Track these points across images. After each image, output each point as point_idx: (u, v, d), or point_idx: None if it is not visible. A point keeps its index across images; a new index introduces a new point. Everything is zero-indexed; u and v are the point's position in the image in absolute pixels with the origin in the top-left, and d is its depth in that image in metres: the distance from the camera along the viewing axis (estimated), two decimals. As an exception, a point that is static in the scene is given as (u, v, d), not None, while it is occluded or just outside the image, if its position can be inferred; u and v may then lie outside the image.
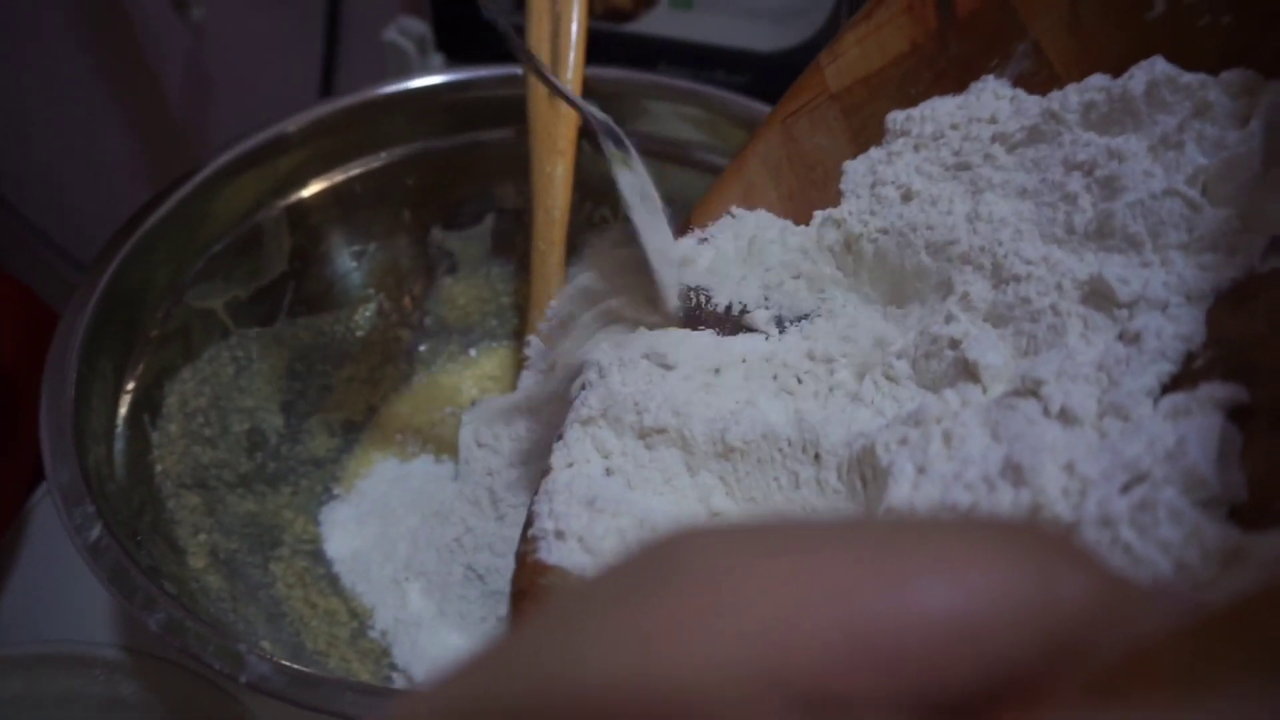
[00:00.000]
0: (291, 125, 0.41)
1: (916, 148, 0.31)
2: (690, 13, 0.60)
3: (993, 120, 0.30)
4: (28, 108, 0.59)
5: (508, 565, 0.38)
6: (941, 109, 0.30)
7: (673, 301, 0.30)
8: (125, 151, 0.62)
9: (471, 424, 0.41)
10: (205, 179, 0.39)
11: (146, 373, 0.36)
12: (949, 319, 0.28)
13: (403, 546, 0.40)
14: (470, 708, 0.11)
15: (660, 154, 0.43)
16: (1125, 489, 0.19)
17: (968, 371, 0.26)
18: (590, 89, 0.43)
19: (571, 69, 0.42)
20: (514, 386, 0.48)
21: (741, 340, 0.32)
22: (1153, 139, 0.26)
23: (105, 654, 0.31)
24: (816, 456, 0.28)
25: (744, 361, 0.31)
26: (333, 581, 0.39)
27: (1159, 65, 0.25)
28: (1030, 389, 0.23)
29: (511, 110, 0.45)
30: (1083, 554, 0.11)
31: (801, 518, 0.13)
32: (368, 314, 0.46)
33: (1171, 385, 0.22)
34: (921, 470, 0.24)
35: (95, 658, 0.31)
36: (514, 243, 0.48)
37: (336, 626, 0.37)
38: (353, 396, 0.45)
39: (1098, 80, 0.27)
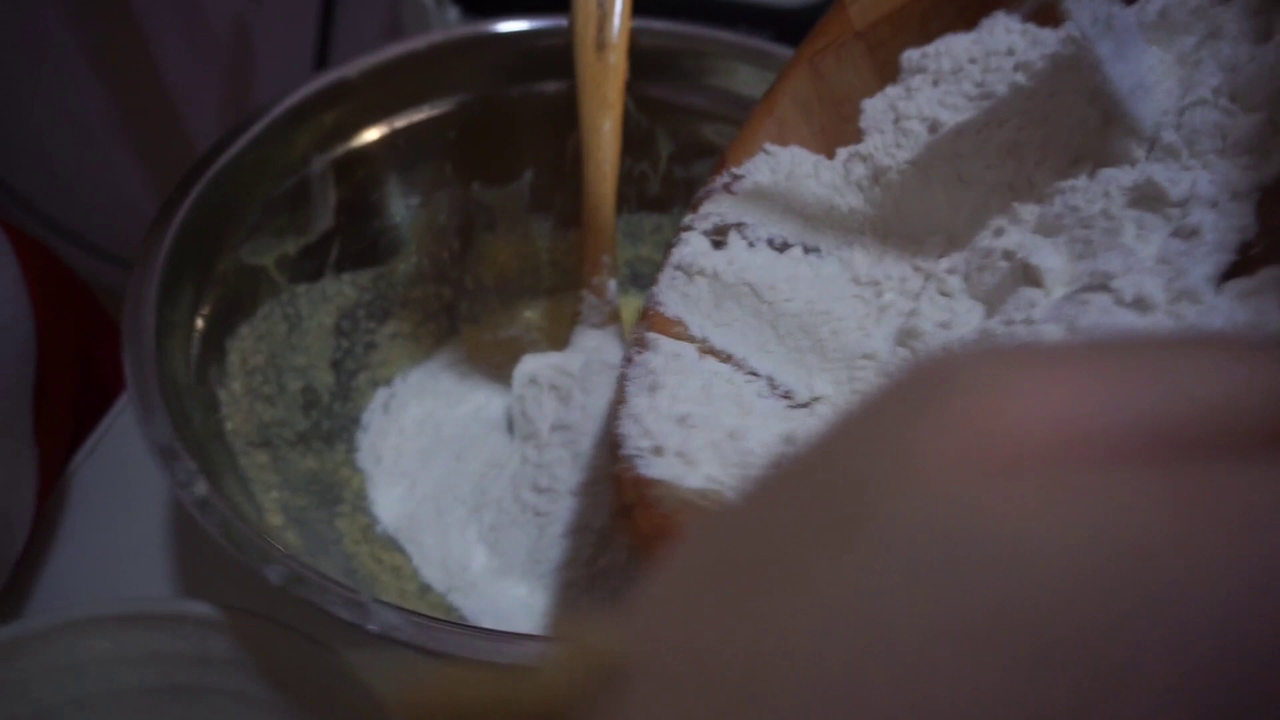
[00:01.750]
0: (342, 75, 0.40)
1: (935, 83, 0.32)
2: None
3: (1010, 52, 0.30)
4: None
5: (563, 508, 0.38)
6: (957, 45, 0.31)
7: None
8: (107, 112, 0.60)
9: (525, 374, 0.41)
10: (259, 132, 0.38)
11: (210, 330, 0.36)
12: (998, 232, 0.29)
13: (453, 500, 0.41)
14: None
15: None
16: None
17: (1028, 278, 0.27)
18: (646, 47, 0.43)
19: (619, 18, 0.42)
20: (558, 340, 0.48)
21: (788, 263, 0.32)
22: (1171, 60, 0.27)
23: (196, 610, 0.31)
24: (910, 350, 0.29)
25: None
26: (393, 538, 0.39)
27: None
28: (1100, 283, 0.25)
29: (554, 63, 0.44)
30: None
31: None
32: (409, 270, 0.46)
33: (1230, 274, 0.23)
34: None
35: (186, 614, 0.31)
36: (552, 199, 0.48)
37: (404, 581, 0.38)
38: (397, 353, 0.45)
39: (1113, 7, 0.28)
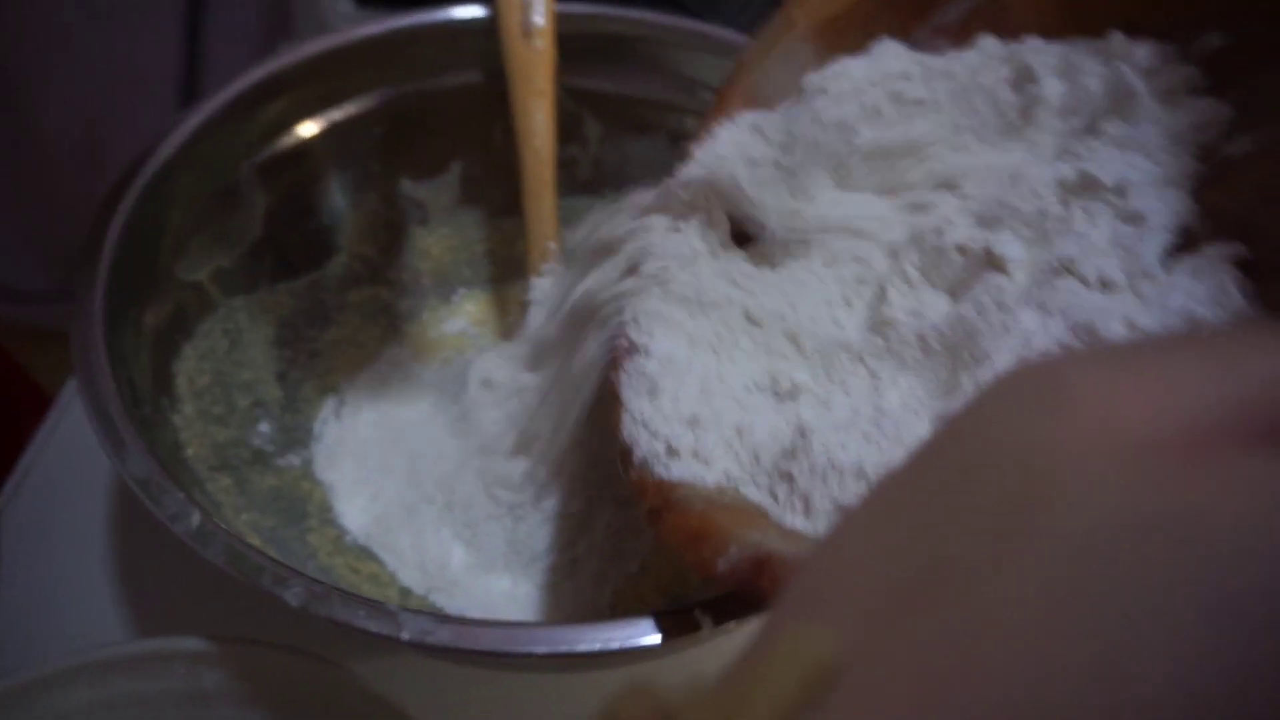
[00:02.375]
0: (261, 77, 0.39)
1: (838, 102, 0.33)
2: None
3: (905, 77, 0.32)
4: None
5: (537, 501, 0.38)
6: (853, 68, 0.33)
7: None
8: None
9: (479, 376, 0.41)
10: (181, 143, 0.36)
11: (156, 355, 0.34)
12: (941, 229, 0.31)
13: (422, 500, 0.40)
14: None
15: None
16: None
17: (991, 265, 0.29)
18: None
19: (543, 2, 0.42)
20: (502, 330, 0.48)
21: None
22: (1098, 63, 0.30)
23: (184, 646, 0.30)
24: (884, 339, 0.30)
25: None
26: (365, 546, 0.39)
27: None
28: (1065, 267, 0.27)
29: (476, 53, 0.44)
30: None
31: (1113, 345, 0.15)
32: (344, 273, 0.45)
33: (1176, 254, 0.26)
34: (998, 351, 0.26)
35: (174, 652, 0.30)
36: (483, 190, 0.47)
37: (384, 587, 0.37)
38: (341, 359, 0.44)
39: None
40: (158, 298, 0.35)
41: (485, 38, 0.43)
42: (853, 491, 0.25)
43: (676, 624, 0.25)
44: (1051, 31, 0.31)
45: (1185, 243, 0.26)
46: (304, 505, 0.38)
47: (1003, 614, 0.11)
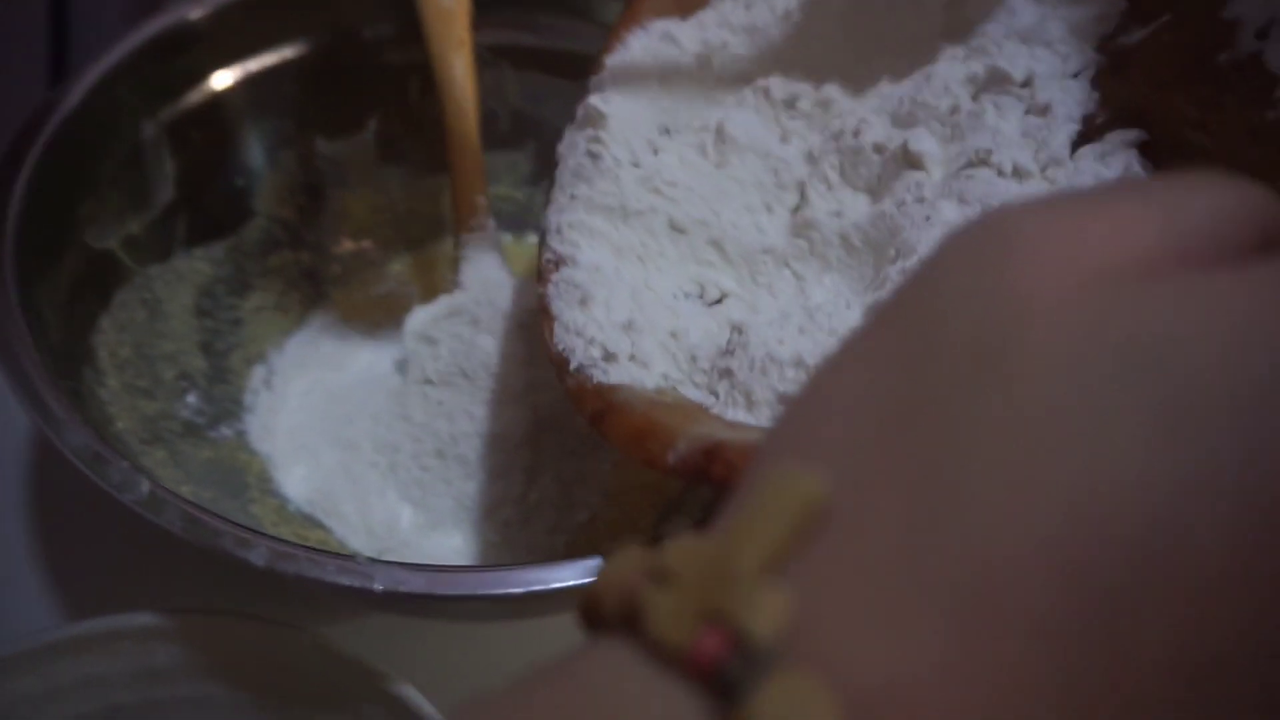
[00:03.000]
0: (165, 28, 0.37)
1: (748, 6, 0.34)
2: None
3: None
4: None
5: (482, 450, 0.38)
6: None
7: None
8: None
9: (416, 328, 0.40)
10: (76, 103, 0.34)
11: (74, 329, 0.32)
12: (857, 132, 0.32)
13: (363, 464, 0.39)
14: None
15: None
16: None
17: (908, 162, 0.30)
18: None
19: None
20: (433, 290, 0.47)
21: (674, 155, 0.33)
22: None
23: (134, 623, 0.29)
24: (807, 241, 0.31)
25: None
26: (309, 514, 0.38)
27: None
28: (981, 159, 0.28)
29: (389, 4, 0.42)
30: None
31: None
32: (262, 238, 0.43)
33: (1080, 142, 0.27)
34: (923, 242, 0.28)
35: (121, 630, 0.28)
36: (402, 148, 0.46)
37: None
38: (266, 327, 0.42)
39: None
40: (69, 268, 0.33)
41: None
42: (793, 380, 0.25)
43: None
44: None
45: (1089, 130, 0.28)
46: (243, 476, 0.37)
47: (985, 439, 0.12)
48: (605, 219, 0.31)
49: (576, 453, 0.39)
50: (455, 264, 0.41)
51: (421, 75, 0.44)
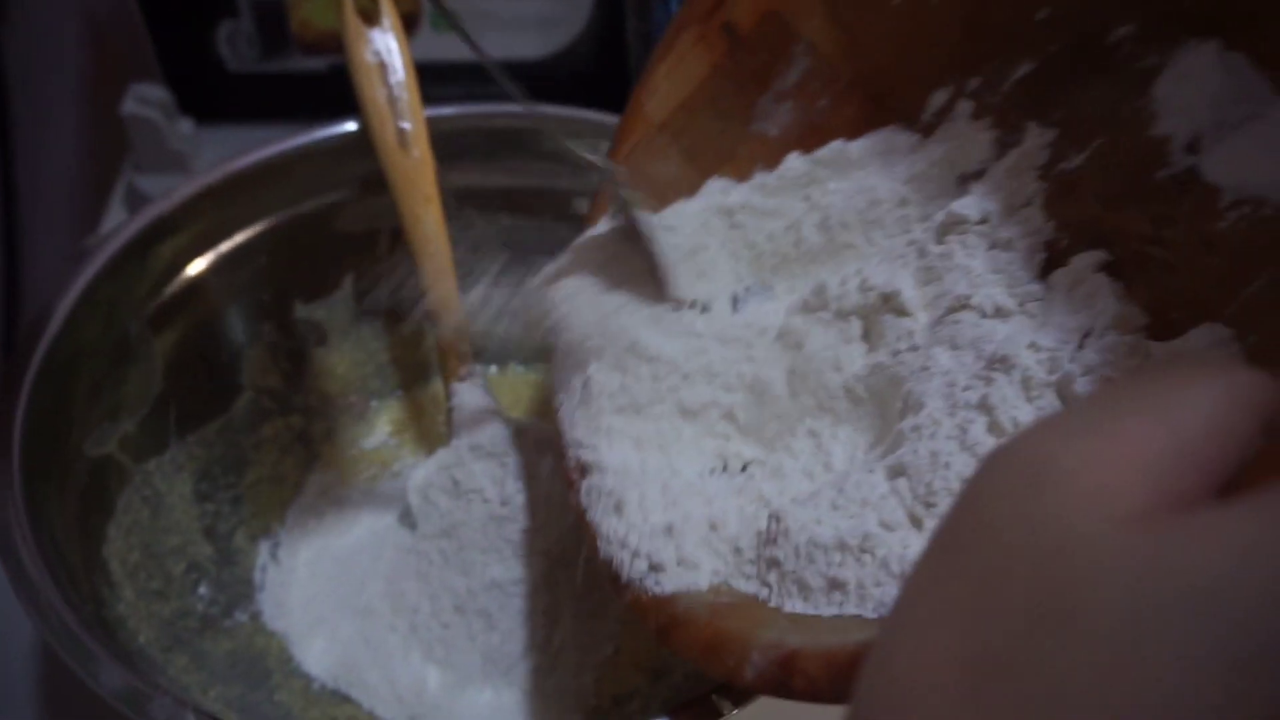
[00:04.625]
0: (141, 228, 0.37)
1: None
2: (453, 33, 0.60)
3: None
4: None
5: (501, 600, 0.38)
6: (690, 207, 0.35)
7: (679, 287, 0.33)
8: None
9: (418, 487, 0.41)
10: (66, 315, 0.34)
11: (85, 547, 0.32)
12: (844, 281, 0.33)
13: (383, 629, 0.39)
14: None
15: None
16: (1082, 345, 0.26)
17: (890, 308, 0.31)
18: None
19: (413, 110, 0.42)
20: (425, 435, 0.47)
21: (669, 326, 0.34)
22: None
23: None
24: (813, 400, 0.32)
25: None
26: (335, 689, 0.38)
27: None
28: (962, 304, 0.29)
29: (352, 166, 0.44)
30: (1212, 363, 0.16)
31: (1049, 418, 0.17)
32: (251, 411, 0.43)
33: (1047, 268, 0.29)
34: (928, 395, 0.29)
35: None
36: (377, 299, 0.47)
37: (367, 729, 0.36)
38: (266, 500, 0.42)
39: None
40: (72, 485, 0.33)
41: (359, 151, 0.43)
42: (839, 563, 0.25)
43: (697, 716, 0.26)
44: (873, 84, 0.33)
45: (1054, 255, 0.29)
46: (264, 662, 0.37)
47: (1057, 707, 0.13)
48: (620, 417, 0.31)
49: (590, 589, 0.39)
50: (448, 415, 0.42)
51: (391, 227, 0.45)
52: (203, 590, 0.37)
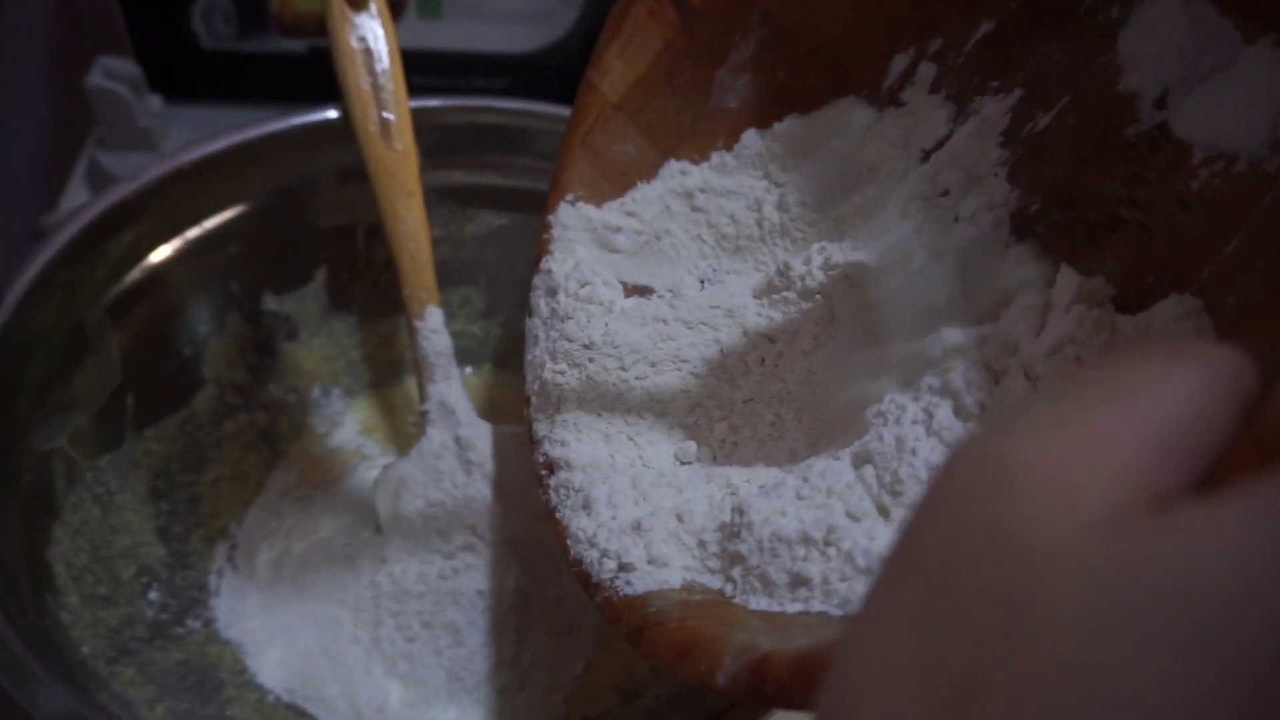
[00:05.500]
0: (104, 209, 0.35)
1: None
2: (440, 22, 0.59)
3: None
4: None
5: (471, 613, 0.37)
6: (650, 192, 0.34)
7: None
8: None
9: (388, 485, 0.39)
10: (15, 302, 0.32)
11: (29, 549, 0.30)
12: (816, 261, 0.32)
13: (344, 640, 0.38)
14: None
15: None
16: (1045, 322, 0.25)
17: (856, 288, 0.30)
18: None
19: (397, 99, 0.40)
20: (394, 435, 0.45)
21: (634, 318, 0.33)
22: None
23: None
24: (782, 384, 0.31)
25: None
26: (291, 704, 0.36)
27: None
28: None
29: (330, 155, 0.42)
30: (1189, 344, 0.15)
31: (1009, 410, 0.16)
32: (214, 405, 0.41)
33: (1019, 228, 0.27)
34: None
35: None
36: (351, 293, 0.45)
37: (325, 745, 0.35)
38: (225, 499, 0.40)
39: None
40: (17, 482, 0.31)
41: (339, 140, 0.41)
42: (803, 557, 0.24)
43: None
44: (833, 52, 0.32)
45: (1025, 219, 0.27)
46: (216, 673, 0.35)
47: (1024, 710, 0.12)
48: (587, 410, 0.30)
49: (563, 602, 0.38)
50: (421, 416, 0.40)
51: (367, 221, 0.43)
52: (153, 595, 0.35)
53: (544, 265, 0.33)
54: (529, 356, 0.34)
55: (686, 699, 0.35)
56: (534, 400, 0.33)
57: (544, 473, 0.31)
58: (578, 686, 0.37)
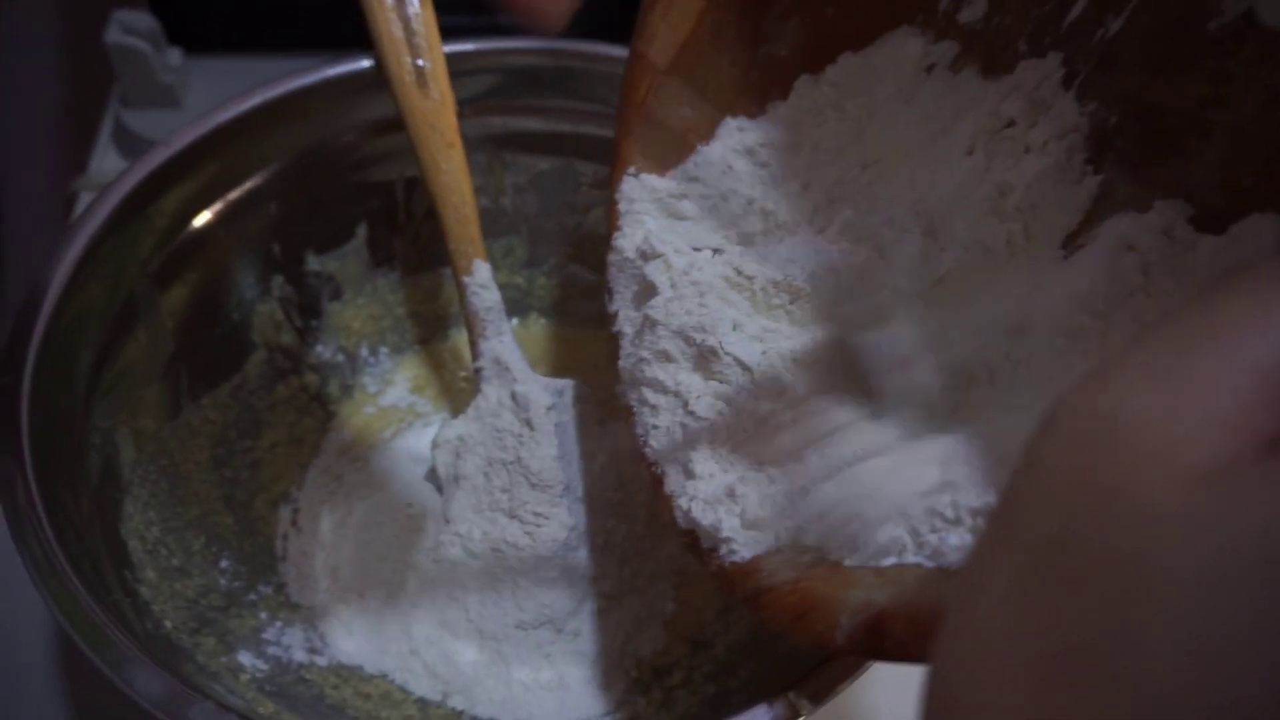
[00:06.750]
0: (141, 176, 0.34)
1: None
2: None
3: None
4: None
5: (538, 575, 0.37)
6: (711, 154, 0.32)
7: None
8: None
9: (446, 441, 0.38)
10: (64, 281, 0.32)
11: (104, 527, 0.30)
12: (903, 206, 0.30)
13: (413, 599, 0.38)
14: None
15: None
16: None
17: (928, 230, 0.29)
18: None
19: (431, 44, 0.39)
20: (445, 390, 0.45)
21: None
22: None
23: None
24: None
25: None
26: (363, 666, 0.36)
27: None
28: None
29: (364, 107, 0.40)
30: None
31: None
32: (265, 370, 0.41)
33: (1095, 155, 0.26)
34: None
35: None
36: (393, 248, 0.44)
37: (400, 706, 0.35)
38: (283, 463, 0.40)
39: None
40: (86, 461, 0.31)
41: (373, 90, 0.40)
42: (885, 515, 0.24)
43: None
44: None
45: (1105, 137, 0.26)
46: (291, 639, 0.35)
47: (1143, 691, 0.12)
48: (674, 371, 0.30)
49: (640, 548, 0.38)
50: (475, 372, 0.40)
51: (406, 173, 0.42)
52: (225, 563, 0.36)
53: (614, 241, 0.33)
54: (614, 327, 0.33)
55: (755, 648, 0.35)
56: (625, 333, 0.32)
57: (642, 436, 0.30)
58: (651, 639, 0.37)
